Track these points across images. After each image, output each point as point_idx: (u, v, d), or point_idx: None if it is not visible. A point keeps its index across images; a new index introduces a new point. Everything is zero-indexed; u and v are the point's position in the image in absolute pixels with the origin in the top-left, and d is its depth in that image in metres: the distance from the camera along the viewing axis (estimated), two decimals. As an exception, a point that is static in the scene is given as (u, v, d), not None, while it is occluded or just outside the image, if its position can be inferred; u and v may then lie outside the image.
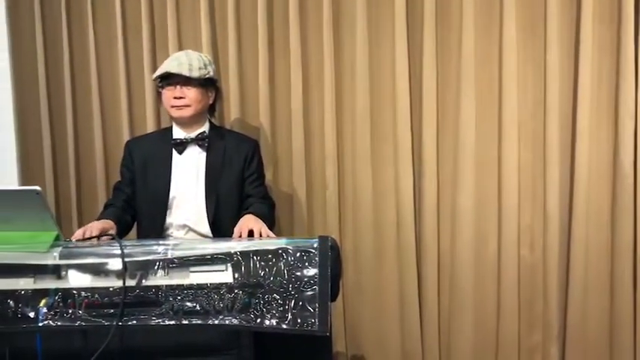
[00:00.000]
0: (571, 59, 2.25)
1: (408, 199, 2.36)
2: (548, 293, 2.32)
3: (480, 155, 2.32)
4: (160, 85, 2.10)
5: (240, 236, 1.83)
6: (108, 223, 1.92)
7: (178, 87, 2.05)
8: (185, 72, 2.02)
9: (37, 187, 1.55)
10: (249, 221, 1.88)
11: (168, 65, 2.05)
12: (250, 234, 1.83)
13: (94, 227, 1.84)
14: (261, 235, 1.82)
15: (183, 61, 2.04)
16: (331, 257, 1.56)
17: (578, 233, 2.26)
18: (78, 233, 1.79)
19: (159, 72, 2.07)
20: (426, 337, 2.40)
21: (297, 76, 2.42)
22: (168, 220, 2.11)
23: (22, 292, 1.51)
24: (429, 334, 2.40)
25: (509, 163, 2.30)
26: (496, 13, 2.27)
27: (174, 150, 2.13)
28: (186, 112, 2.07)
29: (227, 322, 1.49)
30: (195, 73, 2.04)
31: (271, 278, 1.53)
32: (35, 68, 2.73)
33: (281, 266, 1.55)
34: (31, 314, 1.48)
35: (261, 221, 1.88)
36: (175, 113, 2.08)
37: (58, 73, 2.72)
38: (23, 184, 2.71)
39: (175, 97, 2.06)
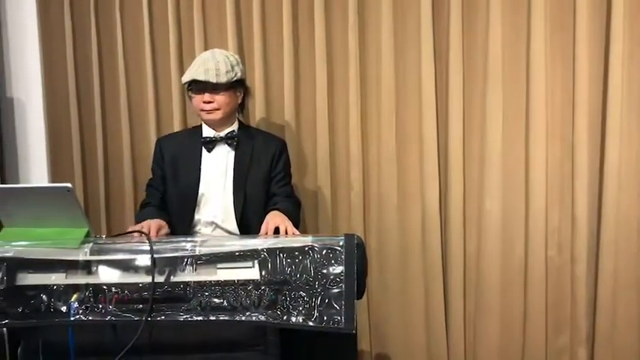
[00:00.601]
0: (601, 56, 2.20)
1: (434, 201, 2.34)
2: (576, 295, 2.29)
3: (506, 156, 2.29)
4: (188, 89, 2.12)
5: (267, 234, 1.85)
6: (161, 222, 1.95)
7: (207, 93, 2.07)
8: (212, 79, 2.03)
9: (69, 185, 1.58)
10: (275, 217, 1.90)
11: (196, 72, 2.05)
12: (276, 231, 1.85)
13: (153, 226, 1.89)
14: (286, 233, 1.83)
15: (210, 67, 2.03)
16: (357, 255, 1.56)
17: (607, 235, 2.22)
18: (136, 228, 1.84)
19: (186, 78, 2.08)
20: (452, 337, 2.39)
21: (322, 76, 2.42)
22: (197, 216, 2.14)
23: (55, 287, 1.54)
24: (454, 335, 2.38)
25: (536, 164, 2.27)
26: (524, 8, 2.24)
27: (203, 148, 2.15)
28: (216, 116, 2.10)
29: (254, 318, 1.51)
30: (223, 79, 2.04)
31: (297, 275, 1.54)
32: (65, 69, 2.78)
33: (307, 264, 1.55)
34: (63, 308, 1.51)
35: (286, 218, 1.90)
36: (205, 117, 2.11)
37: (87, 74, 2.77)
38: (53, 182, 2.78)
39: (204, 102, 2.08)
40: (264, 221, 1.90)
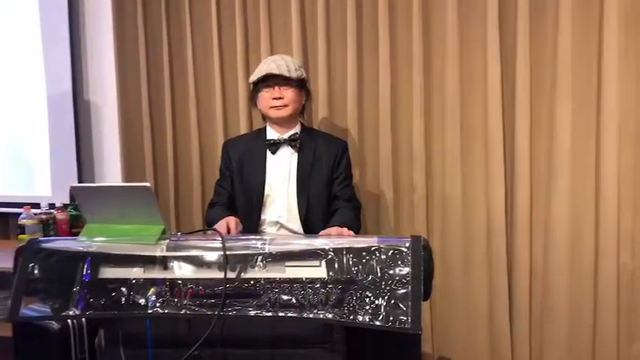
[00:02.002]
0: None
1: (500, 203, 2.30)
2: (650, 302, 2.20)
3: (576, 158, 2.22)
4: (257, 87, 2.19)
5: None
6: (236, 220, 2.02)
7: (277, 88, 2.13)
8: (285, 72, 2.11)
9: (147, 184, 1.67)
10: (330, 231, 1.92)
11: (268, 67, 2.13)
12: None
13: (232, 223, 1.97)
14: None
15: (281, 63, 2.13)
16: (424, 257, 1.57)
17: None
18: (223, 229, 1.92)
19: (259, 74, 2.15)
20: (516, 343, 2.34)
21: (386, 78, 2.43)
22: (262, 216, 2.20)
23: (134, 281, 1.62)
24: (519, 340, 2.33)
25: (608, 167, 2.19)
26: (595, 6, 2.16)
27: (267, 150, 2.21)
28: (285, 112, 2.15)
29: (321, 316, 1.53)
30: (294, 74, 2.13)
31: (364, 275, 1.56)
32: (138, 73, 2.92)
33: (373, 264, 1.57)
34: (142, 301, 1.59)
35: (343, 231, 1.90)
36: (274, 114, 2.16)
37: (158, 78, 2.90)
38: (125, 182, 2.91)
39: (274, 98, 2.13)
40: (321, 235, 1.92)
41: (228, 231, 1.94)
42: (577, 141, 2.22)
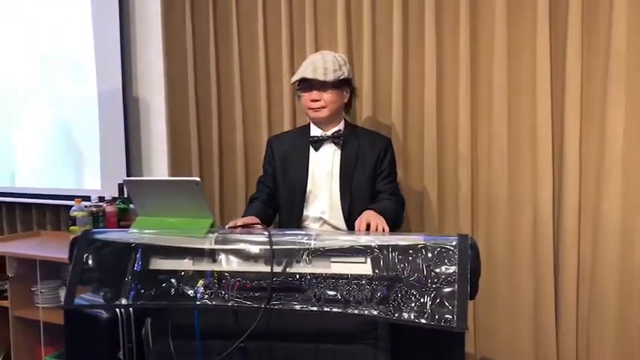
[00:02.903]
0: None
1: (547, 201, 2.25)
2: None
3: (628, 159, 2.14)
4: (298, 88, 2.21)
5: (359, 230, 1.88)
6: (252, 219, 2.04)
7: (314, 91, 2.14)
8: (320, 77, 2.10)
9: (197, 178, 1.72)
10: (368, 215, 1.93)
11: (304, 71, 2.13)
12: (368, 228, 1.88)
13: (240, 222, 1.97)
14: (376, 230, 1.86)
15: (318, 66, 2.11)
16: (471, 256, 1.56)
17: None
18: (231, 224, 1.94)
19: (296, 78, 2.18)
20: (562, 346, 2.28)
21: (432, 74, 2.41)
22: (305, 212, 2.21)
23: (183, 273, 1.67)
24: (565, 343, 2.28)
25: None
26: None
27: (311, 147, 2.23)
28: (323, 114, 2.16)
29: (366, 312, 1.55)
30: (330, 77, 2.11)
31: (409, 273, 1.56)
32: (185, 71, 2.99)
33: (419, 262, 1.57)
34: (190, 293, 1.64)
35: (380, 217, 1.91)
36: (312, 115, 2.18)
37: (205, 75, 2.96)
38: (172, 176, 2.98)
39: (312, 100, 2.15)
40: (358, 218, 1.94)
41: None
42: (629, 141, 2.14)
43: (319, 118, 2.18)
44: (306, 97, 2.16)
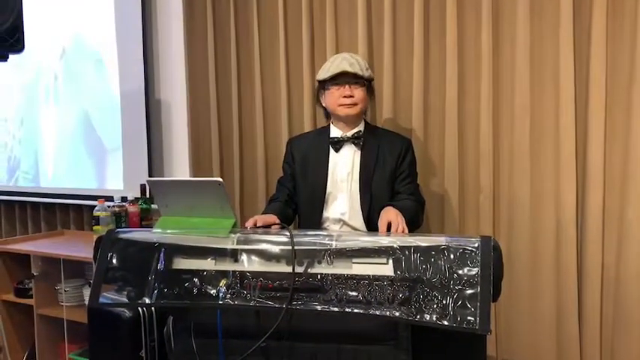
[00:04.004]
0: None
1: (570, 206, 2.22)
2: None
3: (654, 159, 2.12)
4: (324, 85, 2.20)
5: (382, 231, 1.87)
6: (271, 217, 2.04)
7: (347, 86, 2.14)
8: (358, 71, 2.12)
9: (219, 179, 1.72)
10: (388, 213, 1.91)
11: (341, 65, 2.13)
12: (389, 227, 1.86)
13: (259, 220, 1.98)
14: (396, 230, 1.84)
15: (353, 62, 2.13)
16: (494, 258, 1.54)
17: None
18: (249, 223, 1.95)
19: (332, 71, 2.14)
20: (585, 352, 2.25)
21: (453, 75, 2.40)
22: (325, 214, 2.22)
23: (205, 273, 1.67)
24: (588, 349, 2.24)
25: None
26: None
27: (331, 148, 2.23)
28: (354, 111, 2.16)
29: (388, 313, 1.54)
30: (365, 73, 2.14)
31: (431, 274, 1.55)
32: (206, 74, 3.02)
33: (441, 263, 1.56)
34: (213, 292, 1.64)
35: (399, 213, 1.89)
36: (343, 111, 2.16)
37: (226, 78, 2.98)
38: (193, 177, 3.01)
39: (345, 96, 2.14)
40: (379, 218, 1.92)
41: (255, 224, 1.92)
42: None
43: (351, 115, 2.16)
44: (337, 93, 2.15)
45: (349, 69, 2.11)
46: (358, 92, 2.15)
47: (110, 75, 3.38)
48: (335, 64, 2.16)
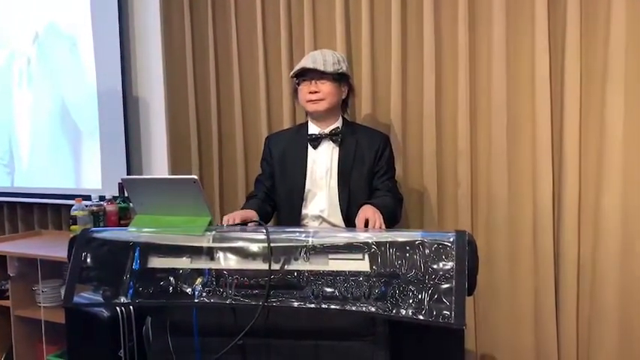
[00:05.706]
0: None
1: (547, 197, 2.24)
2: None
3: (628, 153, 2.13)
4: (296, 82, 2.21)
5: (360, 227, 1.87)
6: (250, 212, 2.05)
7: (313, 82, 2.15)
8: (320, 67, 2.12)
9: (194, 176, 1.71)
10: (366, 210, 1.92)
11: (304, 62, 2.16)
12: (367, 224, 1.87)
13: (238, 215, 1.99)
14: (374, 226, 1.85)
15: (318, 59, 2.14)
16: (468, 252, 1.55)
17: None
18: (225, 219, 1.95)
19: (296, 69, 2.19)
20: (563, 343, 2.27)
21: (430, 72, 2.40)
22: (304, 211, 2.21)
23: (181, 271, 1.66)
24: (565, 340, 2.26)
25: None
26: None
27: (309, 145, 2.23)
28: (321, 106, 2.16)
29: (364, 309, 1.54)
30: (329, 68, 2.13)
31: (407, 269, 1.56)
32: (185, 71, 3.00)
33: (417, 258, 1.56)
34: (189, 291, 1.63)
35: (378, 212, 1.90)
36: (310, 107, 2.18)
37: (204, 75, 2.97)
38: (172, 175, 2.99)
39: (310, 92, 2.15)
40: (357, 216, 1.93)
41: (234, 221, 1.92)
42: (629, 136, 2.13)
43: (318, 110, 2.17)
44: (305, 89, 2.16)
45: (310, 65, 2.12)
46: (324, 87, 2.15)
47: (86, 60, 3.33)
48: (301, 62, 2.18)
